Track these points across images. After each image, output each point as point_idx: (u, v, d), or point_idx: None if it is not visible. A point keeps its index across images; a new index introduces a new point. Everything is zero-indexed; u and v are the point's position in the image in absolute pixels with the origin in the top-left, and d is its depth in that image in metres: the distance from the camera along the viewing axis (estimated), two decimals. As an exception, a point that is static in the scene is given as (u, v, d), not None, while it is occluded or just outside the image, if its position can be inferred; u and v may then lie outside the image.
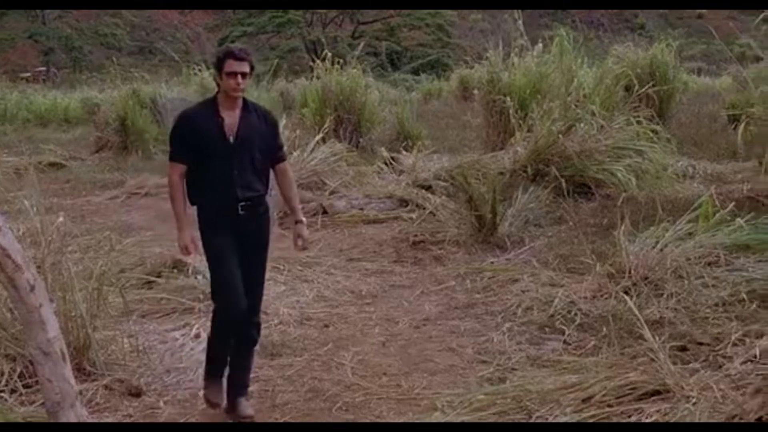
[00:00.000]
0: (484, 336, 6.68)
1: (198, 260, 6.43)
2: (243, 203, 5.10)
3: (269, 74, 26.48)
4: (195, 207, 5.22)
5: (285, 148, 5.60)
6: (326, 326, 7.14)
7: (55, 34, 65.80)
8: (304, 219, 5.39)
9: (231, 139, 5.09)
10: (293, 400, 5.27)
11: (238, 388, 5.31)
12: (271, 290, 7.34)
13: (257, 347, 5.53)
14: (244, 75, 5.04)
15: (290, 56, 54.45)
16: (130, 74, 24.73)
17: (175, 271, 8.09)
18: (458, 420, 4.89)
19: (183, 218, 5.17)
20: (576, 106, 12.50)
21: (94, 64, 57.52)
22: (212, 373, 5.36)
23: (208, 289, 7.11)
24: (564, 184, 10.85)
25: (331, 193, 12.30)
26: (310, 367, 6.15)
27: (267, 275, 5.48)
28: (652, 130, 12.94)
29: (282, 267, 8.57)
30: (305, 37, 61.29)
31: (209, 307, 7.00)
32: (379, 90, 21.45)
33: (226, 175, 5.07)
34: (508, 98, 13.88)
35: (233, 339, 5.26)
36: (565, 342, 6.41)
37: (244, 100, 5.19)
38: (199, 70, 24.71)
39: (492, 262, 8.78)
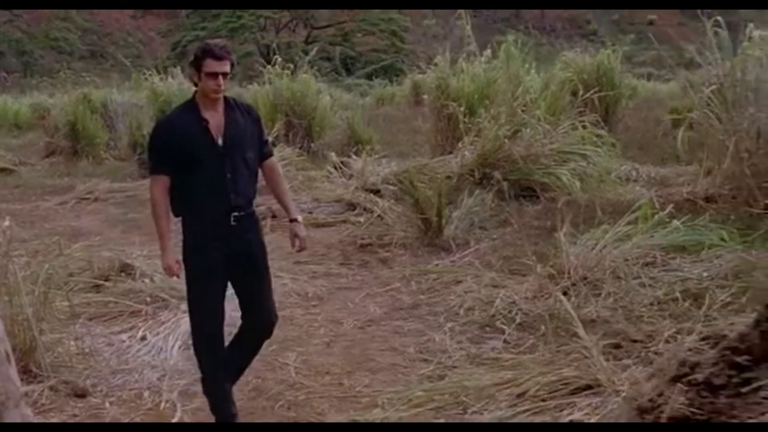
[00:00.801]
0: (426, 336, 6.83)
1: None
2: (235, 213, 4.77)
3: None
4: (180, 219, 4.90)
5: (270, 141, 5.32)
6: (272, 328, 7.24)
7: (5, 38, 64.91)
8: (299, 217, 5.12)
9: (220, 141, 4.75)
10: (237, 399, 5.35)
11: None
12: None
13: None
14: (225, 75, 4.70)
15: (244, 61, 53.94)
16: (81, 79, 24.61)
17: (123, 275, 8.13)
18: (397, 416, 5.04)
19: (167, 237, 4.84)
20: (522, 111, 12.69)
21: (45, 68, 56.69)
22: (213, 387, 5.14)
23: (155, 293, 7.31)
24: (509, 188, 11.03)
25: (281, 197, 12.36)
26: (254, 368, 6.19)
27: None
28: (597, 135, 13.19)
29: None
30: (259, 41, 61.03)
31: (156, 310, 7.14)
32: (331, 95, 21.53)
33: (218, 181, 4.73)
34: (457, 103, 14.05)
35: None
36: (504, 341, 6.58)
37: (225, 97, 4.85)
38: (150, 75, 24.56)
39: (437, 264, 8.94)
